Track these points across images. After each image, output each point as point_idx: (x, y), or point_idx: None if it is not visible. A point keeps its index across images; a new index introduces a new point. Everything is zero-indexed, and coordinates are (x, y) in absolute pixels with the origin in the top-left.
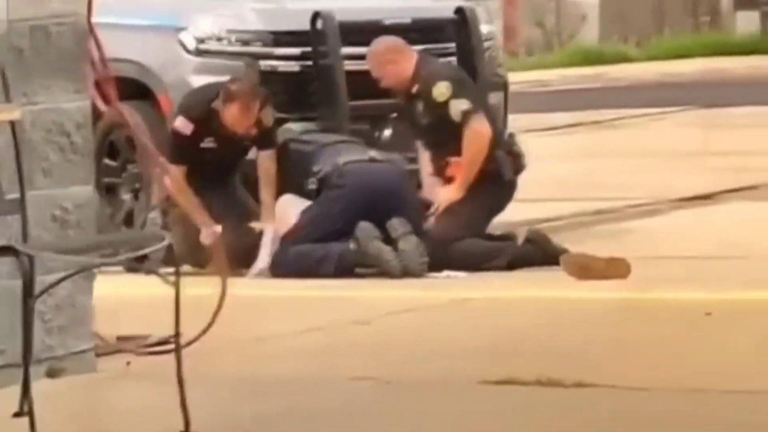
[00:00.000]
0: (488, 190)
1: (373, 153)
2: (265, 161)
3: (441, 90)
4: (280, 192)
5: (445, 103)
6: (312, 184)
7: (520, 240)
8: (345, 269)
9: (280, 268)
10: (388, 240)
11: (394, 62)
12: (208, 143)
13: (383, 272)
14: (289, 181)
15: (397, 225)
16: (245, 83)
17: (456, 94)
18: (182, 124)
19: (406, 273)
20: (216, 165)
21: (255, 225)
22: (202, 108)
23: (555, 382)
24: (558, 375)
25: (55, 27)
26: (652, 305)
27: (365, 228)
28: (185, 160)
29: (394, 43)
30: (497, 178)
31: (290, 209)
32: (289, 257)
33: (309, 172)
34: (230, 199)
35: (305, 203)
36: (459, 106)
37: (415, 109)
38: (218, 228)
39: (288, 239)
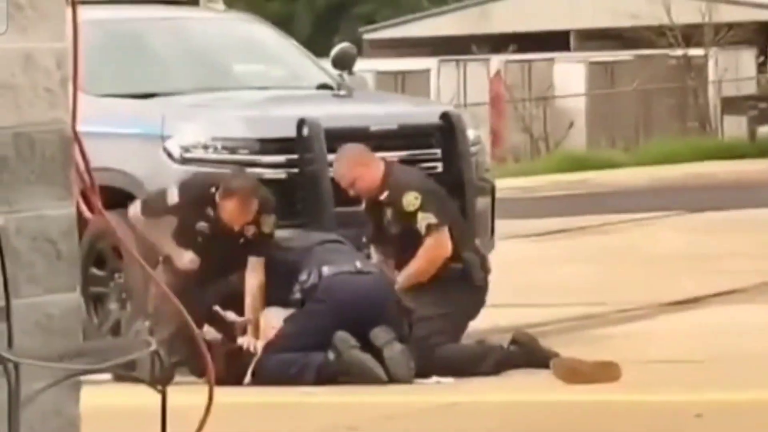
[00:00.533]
0: (460, 293)
1: (358, 263)
2: (254, 268)
3: (410, 200)
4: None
5: (414, 214)
6: (297, 293)
7: (506, 343)
8: (325, 379)
9: (261, 377)
10: (371, 349)
11: (365, 166)
12: (201, 227)
13: (368, 380)
14: (273, 290)
15: (380, 333)
16: (246, 180)
17: (424, 206)
18: (171, 195)
19: (392, 380)
20: (211, 256)
21: (241, 341)
22: (200, 189)
23: None
24: None
25: (39, 135)
26: (642, 407)
27: (343, 338)
28: (184, 240)
29: (363, 149)
30: (468, 281)
31: (274, 321)
32: (270, 366)
33: (294, 281)
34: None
35: (288, 313)
36: (426, 220)
37: (383, 217)
38: (205, 332)
39: (269, 349)
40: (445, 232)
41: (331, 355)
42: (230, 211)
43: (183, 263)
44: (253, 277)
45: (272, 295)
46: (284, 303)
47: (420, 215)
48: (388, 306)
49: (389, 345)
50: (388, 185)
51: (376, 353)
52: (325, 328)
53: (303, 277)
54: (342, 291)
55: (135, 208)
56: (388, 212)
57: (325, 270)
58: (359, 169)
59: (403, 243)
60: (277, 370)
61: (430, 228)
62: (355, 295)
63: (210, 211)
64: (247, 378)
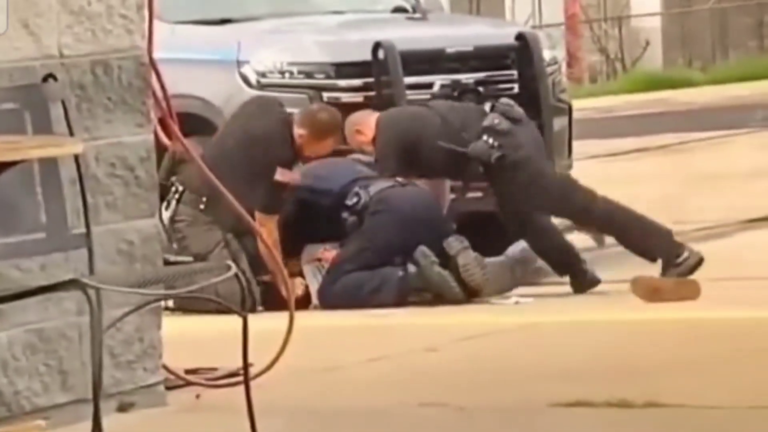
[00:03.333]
0: None
1: (399, 179)
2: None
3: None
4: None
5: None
6: (349, 217)
7: None
8: (404, 295)
9: (329, 301)
10: (445, 259)
11: (361, 125)
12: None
13: (447, 297)
14: (320, 228)
15: (453, 242)
16: (334, 113)
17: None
18: (283, 175)
19: (468, 288)
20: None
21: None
22: (289, 148)
23: (625, 403)
24: (628, 396)
25: (116, 62)
26: (722, 325)
27: (424, 252)
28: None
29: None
30: None
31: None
32: (337, 289)
33: (339, 210)
34: None
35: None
36: None
37: None
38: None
39: (331, 274)
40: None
41: (411, 269)
42: (325, 148)
43: (293, 178)
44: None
45: (320, 232)
46: (332, 231)
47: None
48: (441, 217)
49: (464, 252)
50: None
51: (449, 261)
52: (389, 240)
53: (351, 200)
54: (397, 200)
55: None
56: None
57: (372, 188)
58: (358, 136)
59: None
60: (347, 292)
61: None
62: (411, 203)
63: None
64: (314, 303)
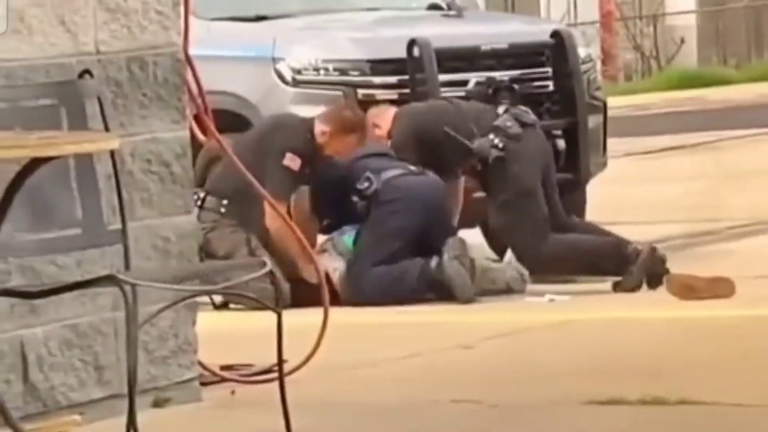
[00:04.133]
0: None
1: (411, 167)
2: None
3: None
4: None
5: None
6: (359, 201)
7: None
8: (425, 286)
9: (354, 299)
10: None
11: (378, 118)
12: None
13: (456, 294)
14: (327, 207)
15: (452, 243)
16: (358, 111)
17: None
18: (292, 161)
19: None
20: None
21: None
22: (306, 141)
23: (659, 401)
24: (662, 393)
25: (151, 58)
26: (756, 323)
27: (452, 245)
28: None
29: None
30: None
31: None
32: (360, 286)
33: (349, 191)
34: None
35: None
36: None
37: None
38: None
39: (353, 269)
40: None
41: (434, 261)
42: (350, 145)
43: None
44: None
45: (326, 212)
46: (340, 217)
47: None
48: (448, 207)
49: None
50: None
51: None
52: (404, 226)
53: (363, 184)
54: (410, 188)
55: (291, 156)
56: None
57: (384, 174)
58: (376, 129)
59: None
60: (370, 287)
61: None
62: (423, 191)
63: (315, 156)
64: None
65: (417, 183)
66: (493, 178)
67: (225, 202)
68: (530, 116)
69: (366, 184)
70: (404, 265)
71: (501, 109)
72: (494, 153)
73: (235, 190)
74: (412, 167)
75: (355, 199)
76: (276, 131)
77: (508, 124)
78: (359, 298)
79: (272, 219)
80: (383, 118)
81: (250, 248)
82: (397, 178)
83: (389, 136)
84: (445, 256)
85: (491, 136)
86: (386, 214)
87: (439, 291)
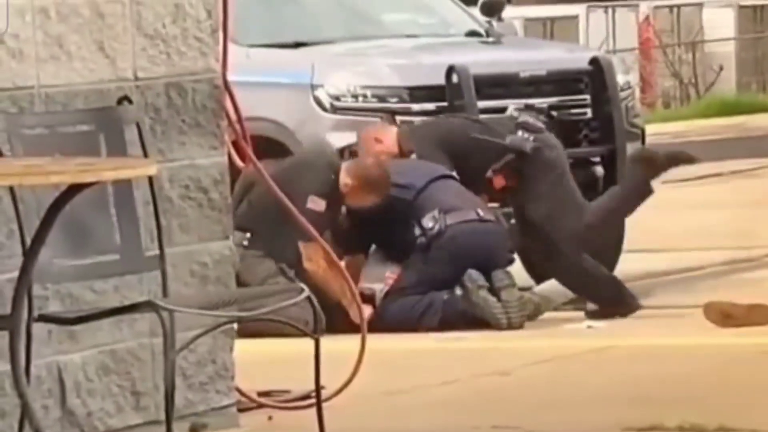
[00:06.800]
0: None
1: (480, 211)
2: None
3: None
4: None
5: None
6: (421, 238)
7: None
8: (450, 318)
9: (381, 323)
10: (491, 290)
11: (380, 141)
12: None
13: (488, 323)
14: (391, 229)
15: (501, 276)
16: (384, 170)
17: None
18: (315, 204)
19: (509, 326)
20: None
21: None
22: (330, 182)
23: (698, 428)
24: (701, 420)
25: (190, 84)
26: None
27: (473, 276)
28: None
29: (377, 124)
30: None
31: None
32: (390, 312)
33: (413, 223)
34: None
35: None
36: None
37: None
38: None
39: (389, 296)
40: None
41: (458, 291)
42: (368, 200)
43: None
44: None
45: (390, 235)
46: (403, 243)
47: None
48: (504, 254)
49: (509, 289)
50: (402, 152)
51: (495, 294)
52: (444, 274)
53: (428, 224)
54: (467, 241)
55: (313, 199)
56: None
57: (449, 219)
58: (377, 145)
59: None
60: (398, 314)
61: None
62: (479, 246)
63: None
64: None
65: (478, 236)
66: (531, 169)
67: (248, 235)
68: (540, 124)
69: (431, 224)
70: (431, 296)
71: (515, 112)
72: (529, 144)
73: (262, 224)
74: (480, 211)
75: (417, 232)
76: (300, 172)
77: (530, 120)
78: (386, 327)
79: (310, 261)
80: (386, 134)
81: (285, 276)
82: (462, 225)
83: (401, 154)
84: (469, 286)
85: (519, 132)
86: (439, 263)
87: (465, 321)
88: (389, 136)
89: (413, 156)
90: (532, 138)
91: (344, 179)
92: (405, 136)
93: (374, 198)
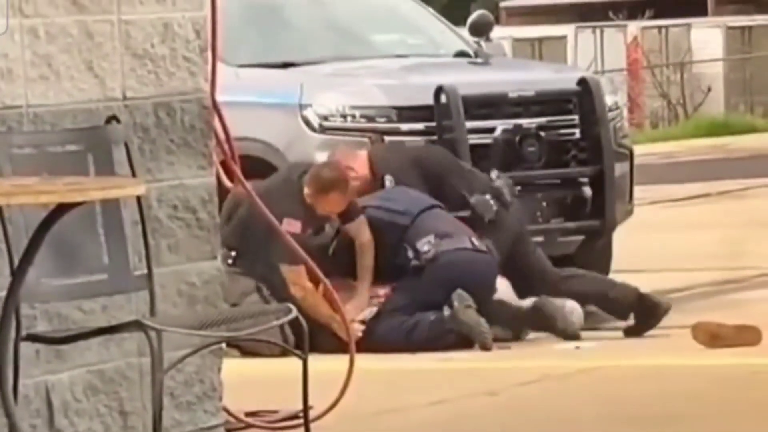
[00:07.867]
0: None
1: (475, 241)
2: (360, 232)
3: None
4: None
5: None
6: (414, 260)
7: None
8: (437, 337)
9: (369, 343)
10: (479, 311)
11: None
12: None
13: (476, 342)
14: (382, 251)
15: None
16: (336, 168)
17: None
18: (291, 225)
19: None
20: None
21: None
22: (300, 201)
23: None
24: None
25: (178, 104)
26: None
27: (463, 296)
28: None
29: (344, 151)
30: None
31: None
32: (378, 331)
33: (404, 247)
34: None
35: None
36: None
37: None
38: (358, 328)
39: (379, 316)
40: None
41: (446, 311)
42: (334, 202)
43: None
44: (363, 239)
45: (379, 258)
46: (392, 265)
47: None
48: (492, 285)
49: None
50: (374, 174)
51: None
52: (435, 297)
53: (424, 247)
54: (461, 268)
55: (288, 221)
56: None
57: (445, 245)
58: (349, 172)
59: None
60: (386, 333)
61: None
62: (472, 273)
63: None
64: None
65: (471, 264)
66: (487, 233)
67: (233, 254)
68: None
69: (426, 248)
70: (416, 316)
71: (494, 174)
72: (489, 214)
73: (247, 243)
74: (475, 241)
75: (410, 254)
76: (269, 202)
77: (505, 190)
78: (374, 347)
79: (295, 286)
80: (356, 161)
81: (261, 295)
82: (457, 252)
83: (373, 174)
84: (457, 305)
85: (487, 196)
86: (432, 286)
87: (452, 340)
88: (359, 161)
89: (388, 177)
90: (496, 209)
91: (305, 191)
92: (377, 158)
93: (338, 197)
